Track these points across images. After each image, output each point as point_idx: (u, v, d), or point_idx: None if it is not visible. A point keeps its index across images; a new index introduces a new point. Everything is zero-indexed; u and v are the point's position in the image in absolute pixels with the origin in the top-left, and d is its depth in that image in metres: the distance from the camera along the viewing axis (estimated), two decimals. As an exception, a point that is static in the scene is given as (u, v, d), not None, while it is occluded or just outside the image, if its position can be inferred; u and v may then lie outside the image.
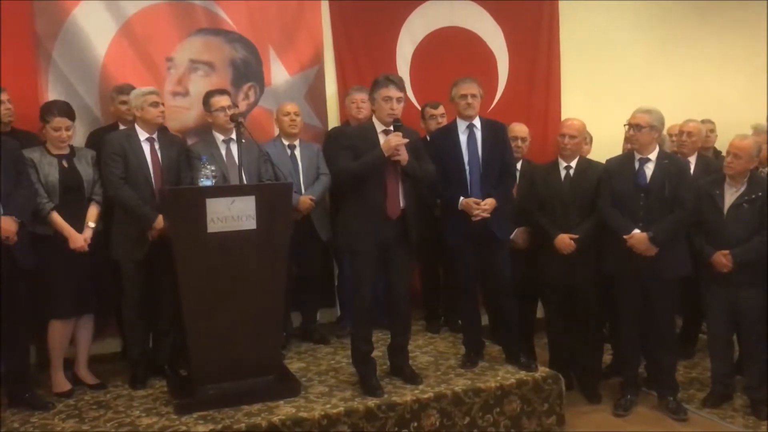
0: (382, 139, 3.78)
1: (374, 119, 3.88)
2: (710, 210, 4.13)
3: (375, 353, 3.99)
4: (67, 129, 3.91)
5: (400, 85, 3.80)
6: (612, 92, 5.86)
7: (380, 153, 3.71)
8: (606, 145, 4.89)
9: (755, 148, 4.07)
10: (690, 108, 5.23)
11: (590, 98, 5.81)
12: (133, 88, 4.28)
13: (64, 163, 3.92)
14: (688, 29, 6.35)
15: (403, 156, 3.72)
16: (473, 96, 4.10)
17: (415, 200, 3.94)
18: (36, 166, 3.82)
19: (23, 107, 4.23)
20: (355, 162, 3.76)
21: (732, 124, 4.70)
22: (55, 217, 3.83)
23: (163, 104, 4.13)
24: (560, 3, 5.94)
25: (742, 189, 4.08)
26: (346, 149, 3.82)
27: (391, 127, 3.77)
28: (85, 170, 3.97)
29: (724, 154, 5.02)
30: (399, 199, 3.81)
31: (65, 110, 3.94)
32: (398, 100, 3.78)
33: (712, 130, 5.41)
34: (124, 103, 4.34)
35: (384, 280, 3.96)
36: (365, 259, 3.80)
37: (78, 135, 4.33)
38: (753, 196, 4.04)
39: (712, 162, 4.84)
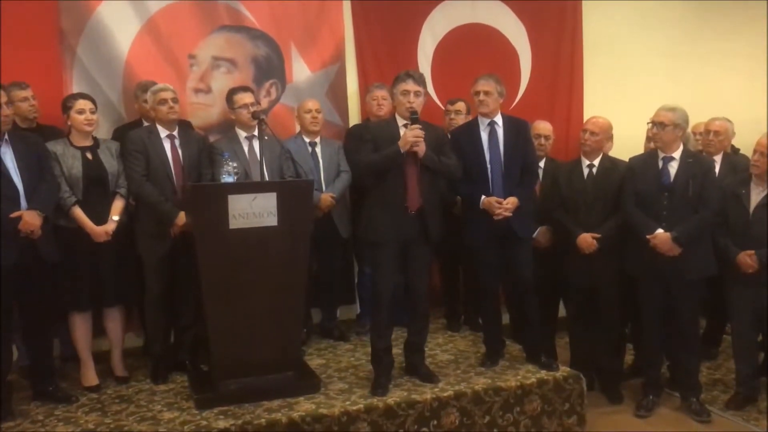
0: (403, 133, 3.78)
1: (396, 115, 3.90)
2: (736, 210, 4.07)
3: (394, 350, 3.99)
4: (92, 111, 3.93)
5: (419, 80, 3.82)
6: (634, 90, 5.81)
7: (396, 148, 3.72)
8: (628, 142, 4.84)
9: (783, 147, 4.00)
10: (714, 106, 5.17)
11: (612, 96, 5.75)
12: (155, 85, 4.31)
13: (88, 155, 3.92)
14: (711, 27, 6.26)
15: (421, 147, 3.72)
16: (486, 93, 4.05)
17: (436, 196, 3.92)
18: (59, 159, 3.84)
19: (48, 103, 4.26)
20: (374, 155, 3.78)
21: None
22: (77, 211, 3.84)
23: (173, 100, 4.08)
24: (583, 0, 5.89)
25: (769, 189, 4.02)
26: (367, 143, 3.85)
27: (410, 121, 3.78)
28: (110, 162, 3.97)
29: (742, 151, 4.97)
30: (418, 193, 3.80)
31: (86, 96, 3.98)
32: (416, 93, 3.79)
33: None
34: (147, 101, 4.37)
35: (404, 279, 3.94)
36: (386, 251, 3.80)
37: (102, 131, 4.36)
38: (780, 196, 3.98)
39: (739, 161, 4.76)
